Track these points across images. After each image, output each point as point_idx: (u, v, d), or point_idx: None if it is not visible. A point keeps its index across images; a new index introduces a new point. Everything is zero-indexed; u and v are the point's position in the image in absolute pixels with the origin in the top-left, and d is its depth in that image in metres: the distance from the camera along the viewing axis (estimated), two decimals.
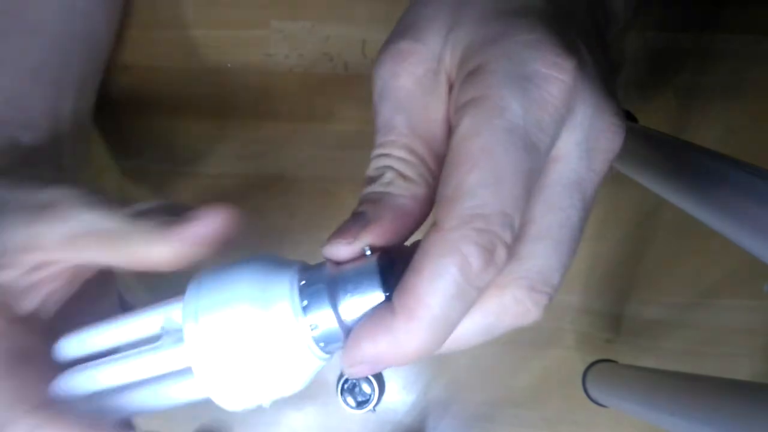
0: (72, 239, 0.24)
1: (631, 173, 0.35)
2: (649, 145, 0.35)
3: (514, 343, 0.47)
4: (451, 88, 0.21)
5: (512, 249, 0.19)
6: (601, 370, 0.45)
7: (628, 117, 0.41)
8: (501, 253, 0.18)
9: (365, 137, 0.47)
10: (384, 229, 0.20)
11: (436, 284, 0.18)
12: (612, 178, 0.46)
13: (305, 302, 0.20)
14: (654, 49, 0.47)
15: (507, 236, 0.18)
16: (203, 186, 0.47)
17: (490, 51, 0.19)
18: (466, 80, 0.20)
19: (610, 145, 0.20)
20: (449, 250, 0.18)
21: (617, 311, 0.47)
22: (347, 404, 0.44)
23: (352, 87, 0.47)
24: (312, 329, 0.20)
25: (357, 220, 0.20)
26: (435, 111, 0.21)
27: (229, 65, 0.47)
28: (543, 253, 0.20)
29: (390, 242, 0.20)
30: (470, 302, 0.18)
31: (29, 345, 0.25)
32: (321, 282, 0.21)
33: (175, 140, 0.47)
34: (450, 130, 0.21)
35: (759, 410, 0.26)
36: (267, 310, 0.20)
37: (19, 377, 0.24)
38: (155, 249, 0.23)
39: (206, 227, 0.23)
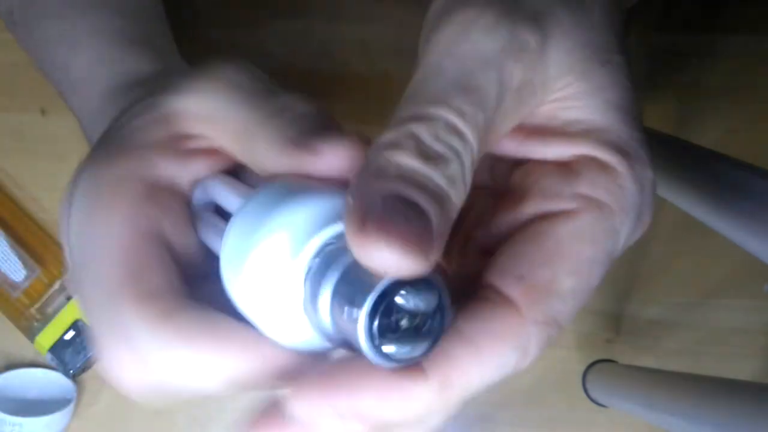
0: (213, 120, 0.21)
1: None
2: (650, 145, 0.35)
3: None
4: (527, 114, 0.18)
5: None
6: (601, 370, 0.45)
7: None
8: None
9: None
10: (438, 255, 0.15)
11: (489, 366, 0.16)
12: None
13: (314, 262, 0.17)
14: (654, 49, 0.47)
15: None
16: None
17: (629, 166, 0.18)
18: (594, 167, 0.18)
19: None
20: (519, 341, 0.16)
21: (617, 311, 0.47)
22: None
23: (352, 87, 0.47)
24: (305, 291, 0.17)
25: (421, 222, 0.15)
26: (508, 122, 0.18)
27: None
28: (571, 290, 0.18)
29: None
30: None
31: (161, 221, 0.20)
32: (340, 260, 0.16)
33: None
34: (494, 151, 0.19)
35: (759, 410, 0.26)
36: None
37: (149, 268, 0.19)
38: (271, 161, 0.19)
39: (329, 163, 0.18)
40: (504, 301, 0.17)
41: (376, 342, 0.15)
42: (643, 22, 0.47)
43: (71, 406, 0.44)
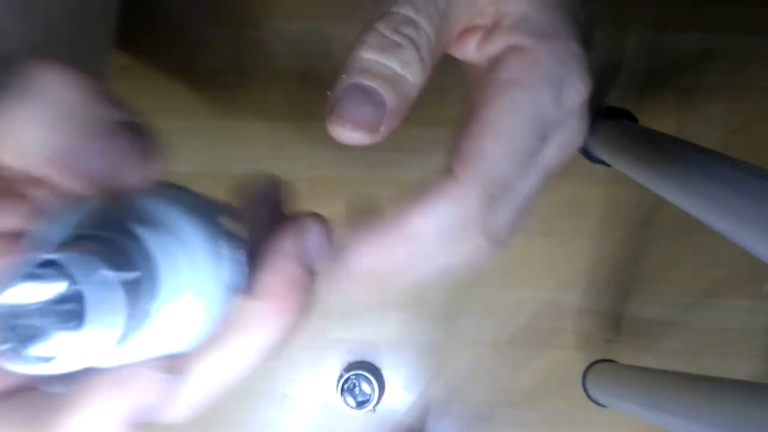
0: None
1: (631, 174, 0.35)
2: (649, 145, 0.35)
3: (515, 343, 0.47)
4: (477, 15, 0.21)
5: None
6: (601, 370, 0.45)
7: (629, 117, 0.41)
8: (495, 210, 0.20)
9: None
10: (396, 124, 0.19)
11: (434, 216, 0.19)
12: (612, 178, 0.47)
13: None
14: (654, 49, 0.47)
15: (504, 198, 0.20)
16: (202, 186, 0.47)
17: (545, 44, 0.20)
18: (513, 54, 0.20)
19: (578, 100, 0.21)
20: (459, 200, 0.19)
21: (617, 311, 0.47)
22: (347, 404, 0.44)
23: None
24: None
25: (374, 103, 0.19)
26: (464, 14, 0.21)
27: (229, 65, 0.47)
28: (498, 153, 0.20)
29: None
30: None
31: None
32: None
33: (175, 140, 0.47)
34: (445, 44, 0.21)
35: (759, 410, 0.26)
36: None
37: None
38: None
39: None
40: (448, 175, 0.19)
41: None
42: (643, 23, 0.47)
43: None
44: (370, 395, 0.44)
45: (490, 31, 0.21)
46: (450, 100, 0.49)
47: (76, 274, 0.13)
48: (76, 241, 0.14)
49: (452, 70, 0.23)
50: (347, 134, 0.19)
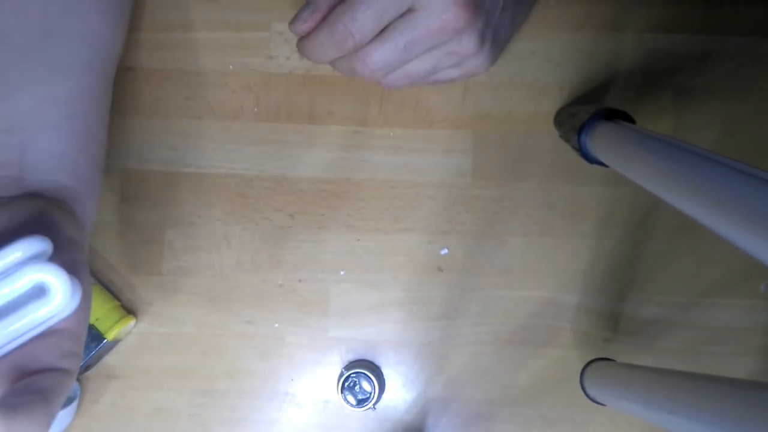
0: None
1: (628, 174, 0.36)
2: (646, 145, 0.35)
3: (513, 342, 0.47)
4: None
5: None
6: (598, 368, 0.45)
7: (626, 118, 0.41)
8: None
9: (365, 137, 0.47)
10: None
11: None
12: (610, 179, 0.47)
13: None
14: (652, 50, 0.47)
15: None
16: (204, 186, 0.47)
17: None
18: None
19: None
20: None
21: (615, 310, 0.47)
22: (348, 402, 0.45)
23: (351, 88, 0.47)
24: None
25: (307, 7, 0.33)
26: None
27: (231, 67, 0.47)
28: None
29: None
30: None
31: None
32: None
33: (177, 141, 0.48)
34: None
35: (756, 409, 0.26)
36: None
37: None
38: None
39: None
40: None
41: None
42: (640, 23, 0.47)
43: (74, 404, 0.45)
44: (371, 393, 0.45)
45: None
46: (446, 102, 0.49)
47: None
48: None
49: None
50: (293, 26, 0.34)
